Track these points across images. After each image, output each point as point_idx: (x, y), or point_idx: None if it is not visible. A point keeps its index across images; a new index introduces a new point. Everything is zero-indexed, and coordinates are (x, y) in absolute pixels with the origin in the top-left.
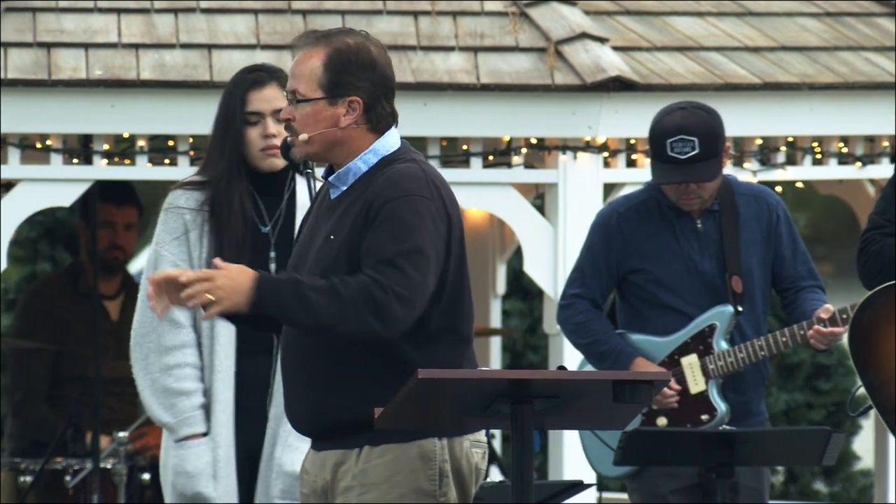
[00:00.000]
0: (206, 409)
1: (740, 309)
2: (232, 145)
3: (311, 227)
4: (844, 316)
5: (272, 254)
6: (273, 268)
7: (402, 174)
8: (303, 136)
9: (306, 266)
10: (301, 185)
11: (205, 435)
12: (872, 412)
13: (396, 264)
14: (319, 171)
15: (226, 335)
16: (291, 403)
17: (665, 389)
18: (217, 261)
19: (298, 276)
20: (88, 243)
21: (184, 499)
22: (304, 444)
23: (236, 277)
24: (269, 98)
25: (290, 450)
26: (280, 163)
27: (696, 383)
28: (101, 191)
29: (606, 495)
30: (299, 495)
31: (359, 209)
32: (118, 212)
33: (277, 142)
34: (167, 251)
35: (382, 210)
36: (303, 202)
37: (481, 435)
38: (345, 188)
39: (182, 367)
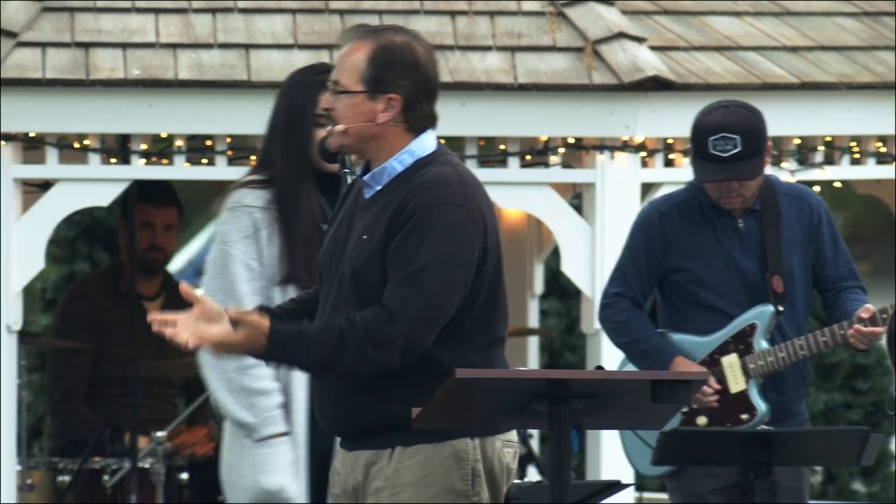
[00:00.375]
0: (285, 407)
1: (781, 309)
2: (299, 145)
3: (345, 226)
4: (885, 316)
5: None
6: None
7: (436, 179)
8: (339, 127)
9: (339, 265)
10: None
11: (286, 434)
12: None
13: (412, 282)
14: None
15: None
16: (323, 403)
17: (705, 388)
18: (231, 312)
19: (305, 328)
20: (128, 243)
21: (267, 497)
22: None
23: (254, 338)
24: None
25: None
26: None
27: (736, 383)
28: (140, 191)
29: (646, 495)
30: (332, 496)
31: (392, 212)
32: (157, 212)
33: None
34: (237, 250)
35: (412, 218)
36: None
37: (513, 435)
38: (379, 188)
39: (258, 366)
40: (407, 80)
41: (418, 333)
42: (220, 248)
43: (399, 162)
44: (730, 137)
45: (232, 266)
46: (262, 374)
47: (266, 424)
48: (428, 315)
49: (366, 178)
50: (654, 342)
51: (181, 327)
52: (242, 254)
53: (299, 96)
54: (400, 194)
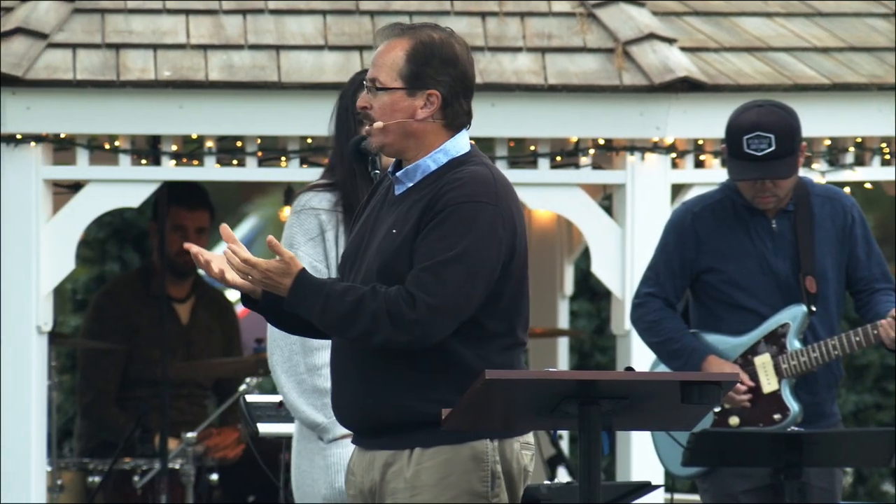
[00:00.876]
0: None
1: (814, 309)
2: (348, 146)
3: (372, 221)
4: None
5: None
6: None
7: (471, 176)
8: (378, 124)
9: (365, 259)
10: None
11: None
12: None
13: (437, 272)
14: None
15: None
16: (341, 400)
17: (738, 387)
18: (272, 240)
19: (331, 283)
20: (160, 245)
21: (341, 498)
22: None
23: (282, 272)
24: None
25: None
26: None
27: (769, 383)
28: (173, 194)
29: (677, 496)
30: (349, 497)
31: (423, 206)
32: (190, 216)
33: None
34: (304, 252)
35: (444, 211)
36: None
37: (530, 437)
38: (410, 185)
39: (328, 366)
40: (446, 76)
41: (436, 323)
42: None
43: (433, 160)
44: (764, 136)
45: None
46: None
47: (338, 425)
48: (448, 306)
49: (398, 174)
50: (687, 342)
51: (217, 260)
52: (308, 255)
53: (348, 98)
54: (433, 190)
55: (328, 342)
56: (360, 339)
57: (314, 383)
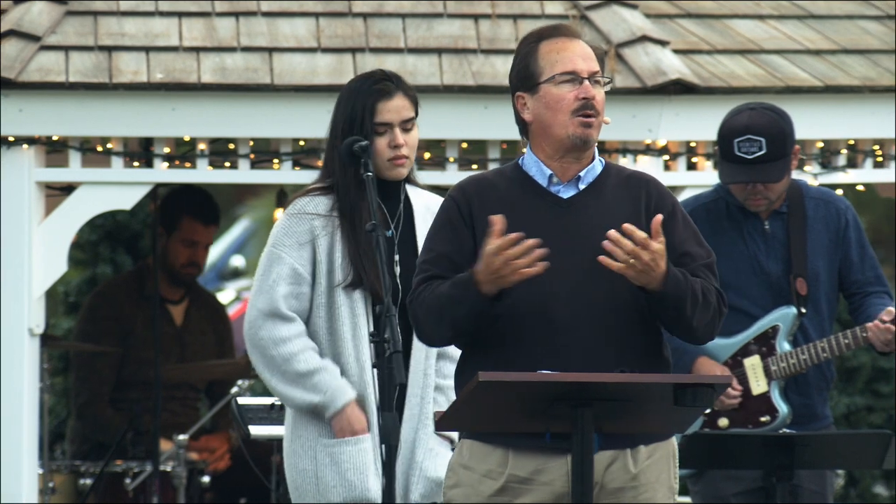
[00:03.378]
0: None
1: (804, 311)
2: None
3: (537, 228)
4: None
5: (396, 257)
6: (398, 270)
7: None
8: (606, 118)
9: (585, 259)
10: (413, 190)
11: (358, 398)
12: None
13: (712, 268)
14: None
15: (366, 334)
16: None
17: (729, 390)
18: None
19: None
20: (160, 248)
21: (350, 497)
22: (445, 449)
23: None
24: (398, 108)
25: (431, 454)
26: (405, 172)
27: (758, 384)
28: (189, 205)
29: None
30: (440, 499)
31: (636, 205)
32: (204, 231)
33: (405, 151)
34: (286, 253)
35: (674, 209)
36: (420, 207)
37: None
38: (584, 186)
39: (305, 351)
40: None
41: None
42: (271, 250)
43: (599, 162)
44: (755, 139)
45: (278, 268)
46: (311, 357)
47: (336, 398)
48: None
49: (582, 176)
50: (676, 343)
51: None
52: (291, 258)
53: (358, 104)
54: (635, 188)
55: (299, 331)
56: (707, 325)
57: (295, 369)
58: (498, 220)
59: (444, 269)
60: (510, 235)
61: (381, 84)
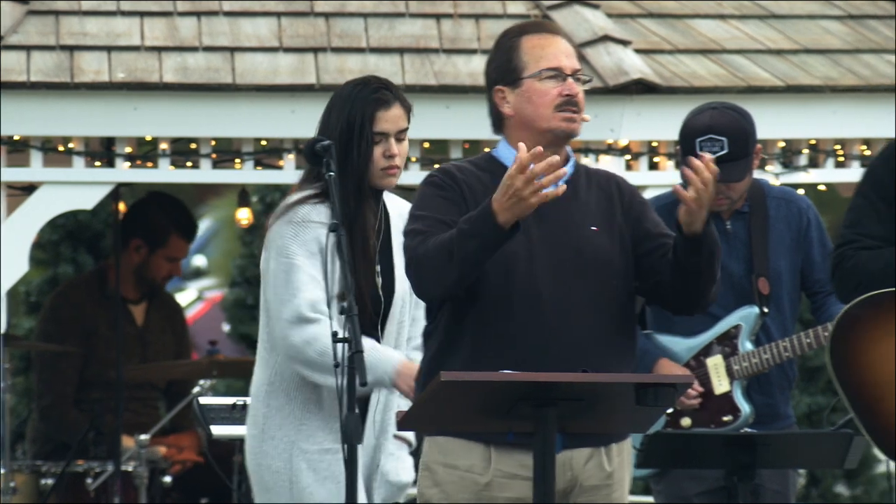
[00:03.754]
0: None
1: (766, 310)
2: (358, 162)
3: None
4: None
5: (378, 267)
6: (380, 281)
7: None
8: (586, 116)
9: (567, 256)
10: (388, 197)
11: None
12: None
13: None
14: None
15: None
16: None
17: (689, 391)
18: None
19: None
20: (116, 250)
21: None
22: (404, 452)
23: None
24: (395, 118)
25: (392, 458)
26: (395, 182)
27: (720, 384)
28: (177, 224)
29: (631, 497)
30: (403, 499)
31: (611, 202)
32: (185, 247)
33: (398, 161)
34: (300, 261)
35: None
36: (395, 216)
37: None
38: (561, 183)
39: (318, 339)
40: None
41: None
42: (283, 261)
43: (572, 158)
44: (717, 139)
45: (298, 276)
46: (341, 346)
47: (385, 371)
48: None
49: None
50: (639, 343)
51: None
52: (306, 265)
53: (356, 111)
54: (604, 184)
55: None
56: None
57: (323, 362)
58: (523, 148)
59: (443, 230)
60: (536, 149)
61: (379, 93)
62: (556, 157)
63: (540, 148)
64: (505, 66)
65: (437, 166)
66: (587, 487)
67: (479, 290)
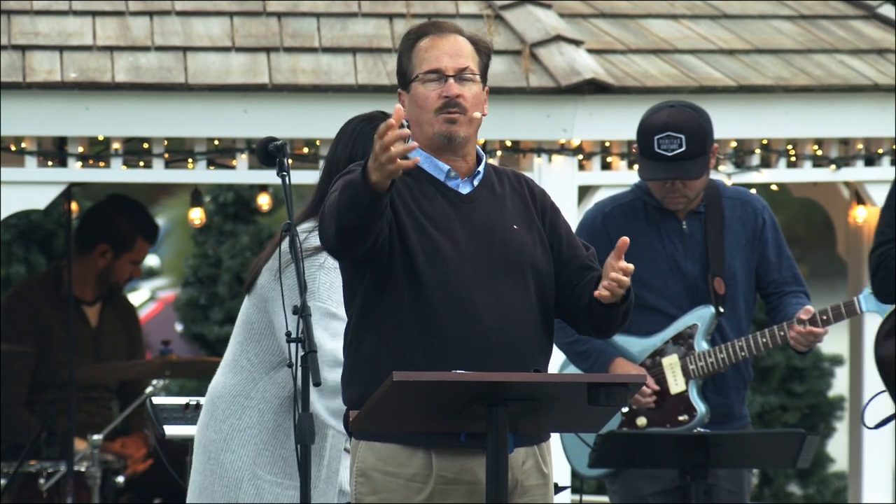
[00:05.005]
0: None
1: (721, 310)
2: None
3: (443, 224)
4: (825, 317)
5: None
6: None
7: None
8: (477, 114)
9: (495, 255)
10: None
11: None
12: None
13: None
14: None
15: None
16: None
17: (643, 389)
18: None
19: None
20: (69, 251)
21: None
22: (345, 455)
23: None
24: None
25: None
26: None
27: (676, 384)
28: (142, 229)
29: (585, 498)
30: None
31: (525, 202)
32: (147, 250)
33: None
34: (339, 310)
35: (552, 204)
36: None
37: None
38: (477, 183)
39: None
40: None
41: None
42: (322, 307)
43: (482, 157)
44: (675, 136)
45: (334, 323)
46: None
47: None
48: None
49: (479, 174)
50: (595, 343)
51: None
52: (341, 313)
53: (359, 148)
54: (519, 187)
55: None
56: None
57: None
58: (399, 110)
59: None
60: (391, 120)
61: (376, 123)
62: (405, 132)
63: (402, 111)
64: (400, 70)
65: None
66: (528, 487)
67: (412, 292)
